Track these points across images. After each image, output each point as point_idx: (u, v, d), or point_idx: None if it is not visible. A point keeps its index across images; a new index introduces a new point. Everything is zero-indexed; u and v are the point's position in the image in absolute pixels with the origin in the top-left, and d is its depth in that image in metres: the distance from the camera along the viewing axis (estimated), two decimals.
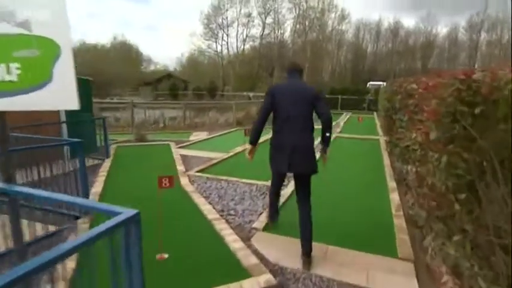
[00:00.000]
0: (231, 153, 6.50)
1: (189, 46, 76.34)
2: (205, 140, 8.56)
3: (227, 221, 3.33)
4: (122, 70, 49.30)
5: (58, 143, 3.23)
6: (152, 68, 65.95)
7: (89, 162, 5.88)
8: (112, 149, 7.05)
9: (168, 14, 77.97)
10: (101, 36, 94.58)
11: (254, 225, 3.25)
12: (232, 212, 3.62)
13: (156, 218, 3.09)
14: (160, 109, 15.50)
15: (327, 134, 2.80)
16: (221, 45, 49.24)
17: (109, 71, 39.84)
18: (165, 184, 2.59)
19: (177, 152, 6.72)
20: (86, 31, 78.59)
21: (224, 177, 4.83)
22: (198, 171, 5.17)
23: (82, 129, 6.17)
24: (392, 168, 5.53)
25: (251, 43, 50.12)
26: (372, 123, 13.07)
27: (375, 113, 17.44)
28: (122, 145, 7.65)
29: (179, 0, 74.01)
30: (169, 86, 41.98)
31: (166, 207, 3.62)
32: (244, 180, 4.70)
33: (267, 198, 3.96)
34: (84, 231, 2.91)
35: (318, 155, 2.98)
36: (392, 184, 4.63)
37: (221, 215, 3.47)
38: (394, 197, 4.06)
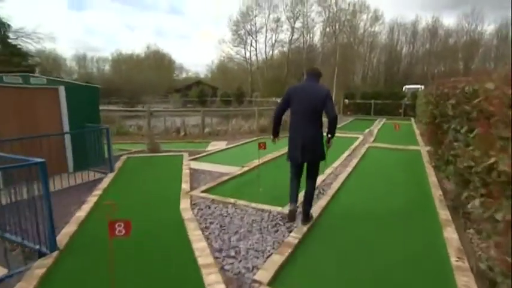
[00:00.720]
0: (246, 168, 5.72)
1: (218, 53, 77.51)
2: (222, 150, 7.87)
3: (222, 268, 2.52)
4: (155, 78, 50.95)
5: (19, 164, 2.63)
6: (184, 75, 67.98)
7: (91, 176, 5.41)
8: (121, 160, 6.58)
9: (200, 23, 79.95)
10: (137, 46, 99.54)
11: (257, 275, 2.42)
12: (232, 252, 2.81)
13: (126, 269, 2.38)
14: (183, 116, 15.17)
15: (331, 129, 3.23)
16: (250, 51, 49.14)
17: (143, 80, 41.06)
18: (120, 231, 1.85)
19: (187, 165, 6.07)
20: (123, 42, 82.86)
21: (232, 200, 4.05)
22: (203, 191, 4.44)
23: (87, 140, 5.72)
24: (442, 189, 4.44)
25: (280, 48, 49.53)
26: (409, 130, 11.72)
27: (412, 119, 15.89)
28: (133, 156, 7.17)
29: (211, 8, 75.60)
30: (197, 92, 42.39)
31: (149, 243, 2.92)
32: (254, 205, 3.88)
33: (280, 232, 3.16)
34: (35, 278, 2.26)
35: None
36: (444, 214, 3.58)
37: (217, 258, 2.68)
38: (451, 236, 3.03)
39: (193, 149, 8.01)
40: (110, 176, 5.31)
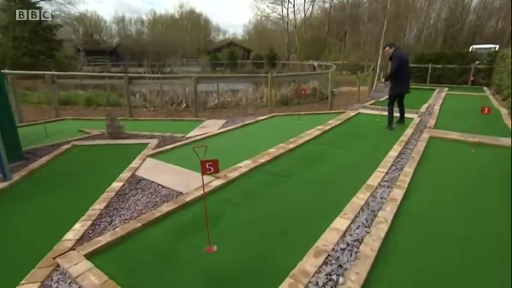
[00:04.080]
0: (218, 182, 3.36)
1: (254, 11, 72.68)
2: (207, 138, 5.51)
3: None
4: (187, 39, 48.60)
5: None
6: (221, 37, 65.24)
7: None
8: (53, 153, 4.57)
9: None
10: (172, 6, 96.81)
11: None
12: None
13: None
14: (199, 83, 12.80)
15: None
16: (287, 8, 44.46)
17: (169, 41, 38.99)
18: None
19: (132, 170, 3.88)
20: (158, 2, 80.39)
21: None
22: (89, 254, 2.20)
23: None
24: None
25: (320, 4, 44.06)
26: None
27: (486, 90, 12.10)
28: (82, 144, 5.13)
29: None
30: (227, 54, 39.54)
31: None
32: None
33: None
34: None
35: None
36: None
37: None
38: None
39: (173, 133, 5.79)
40: None
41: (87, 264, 2.08)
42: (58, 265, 2.08)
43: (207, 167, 2.05)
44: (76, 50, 37.78)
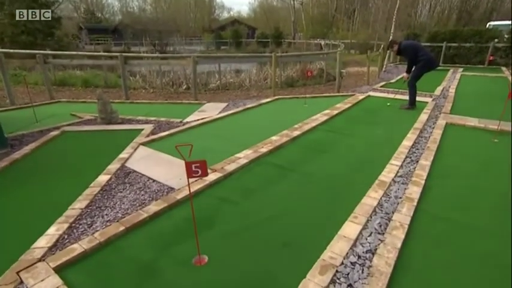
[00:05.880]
0: (215, 176, 3.02)
1: None
2: (203, 124, 5.15)
3: None
4: (194, 17, 46.99)
5: None
6: (226, 15, 63.43)
7: None
8: (40, 140, 4.26)
9: None
10: None
11: None
12: None
13: None
14: (202, 64, 12.28)
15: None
16: None
17: (179, 19, 37.76)
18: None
19: (121, 160, 3.57)
20: None
21: None
22: (63, 264, 1.90)
23: None
24: None
25: None
26: (503, 89, 7.46)
27: (504, 70, 11.40)
28: (72, 130, 4.81)
29: None
30: (231, 33, 38.31)
31: None
32: None
33: None
34: None
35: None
36: None
37: None
38: None
39: (168, 118, 5.44)
40: None
41: (55, 280, 1.79)
42: (21, 281, 1.79)
43: (193, 169, 1.70)
44: (78, 28, 36.87)
